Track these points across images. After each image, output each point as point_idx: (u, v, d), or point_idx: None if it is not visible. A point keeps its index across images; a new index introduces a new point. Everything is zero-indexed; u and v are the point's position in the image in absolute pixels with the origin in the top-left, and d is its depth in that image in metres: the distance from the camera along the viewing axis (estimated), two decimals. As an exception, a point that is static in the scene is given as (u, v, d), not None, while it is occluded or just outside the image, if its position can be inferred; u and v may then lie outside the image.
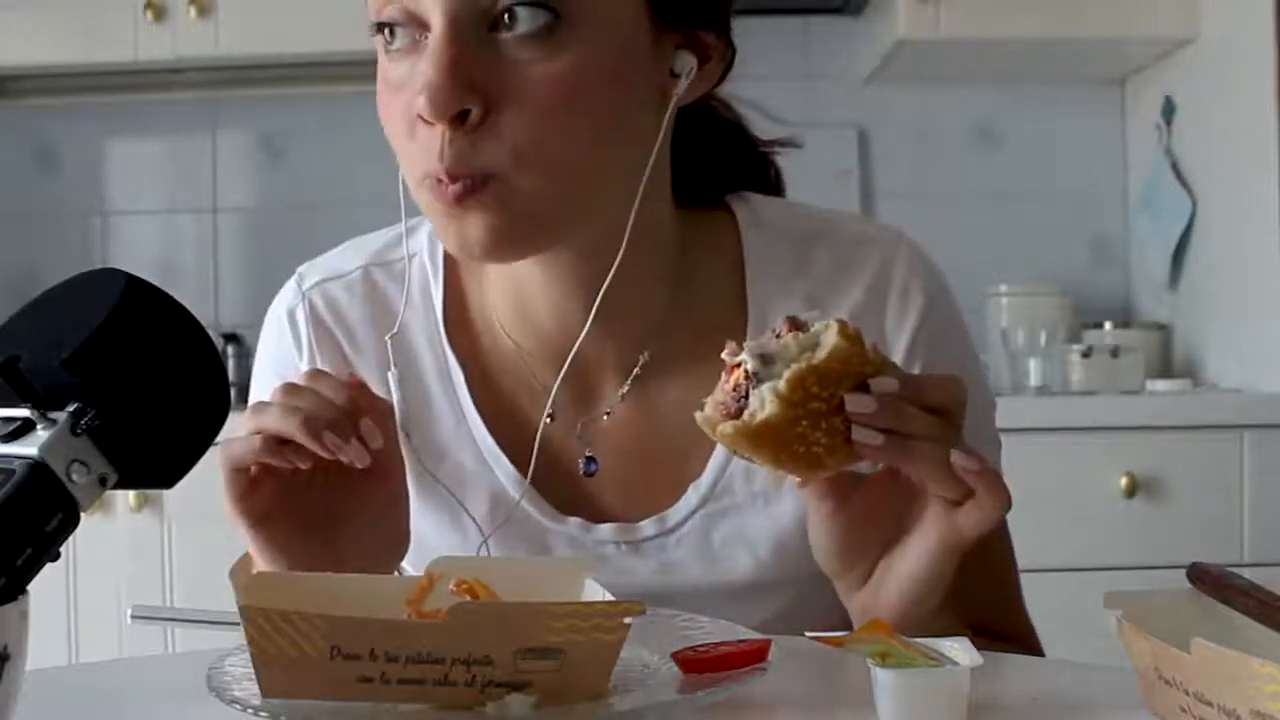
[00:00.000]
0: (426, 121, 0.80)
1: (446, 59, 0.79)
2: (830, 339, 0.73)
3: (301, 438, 0.79)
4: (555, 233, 0.86)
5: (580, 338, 0.89)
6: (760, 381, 0.72)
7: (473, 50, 0.79)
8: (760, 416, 0.72)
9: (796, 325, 0.74)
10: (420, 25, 0.81)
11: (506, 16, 0.79)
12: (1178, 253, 2.67)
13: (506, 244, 0.83)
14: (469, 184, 0.80)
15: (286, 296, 1.01)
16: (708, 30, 0.88)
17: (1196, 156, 2.63)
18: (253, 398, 1.02)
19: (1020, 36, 2.57)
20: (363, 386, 0.85)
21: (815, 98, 2.93)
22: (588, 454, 0.95)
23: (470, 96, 0.79)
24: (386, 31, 0.83)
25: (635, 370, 0.95)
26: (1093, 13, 2.54)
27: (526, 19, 0.79)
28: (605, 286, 0.87)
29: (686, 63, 0.87)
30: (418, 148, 0.82)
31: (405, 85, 0.82)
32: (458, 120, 0.79)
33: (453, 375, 0.96)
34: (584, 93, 0.81)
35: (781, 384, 0.71)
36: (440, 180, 0.81)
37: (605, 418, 0.95)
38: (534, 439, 0.93)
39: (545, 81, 0.80)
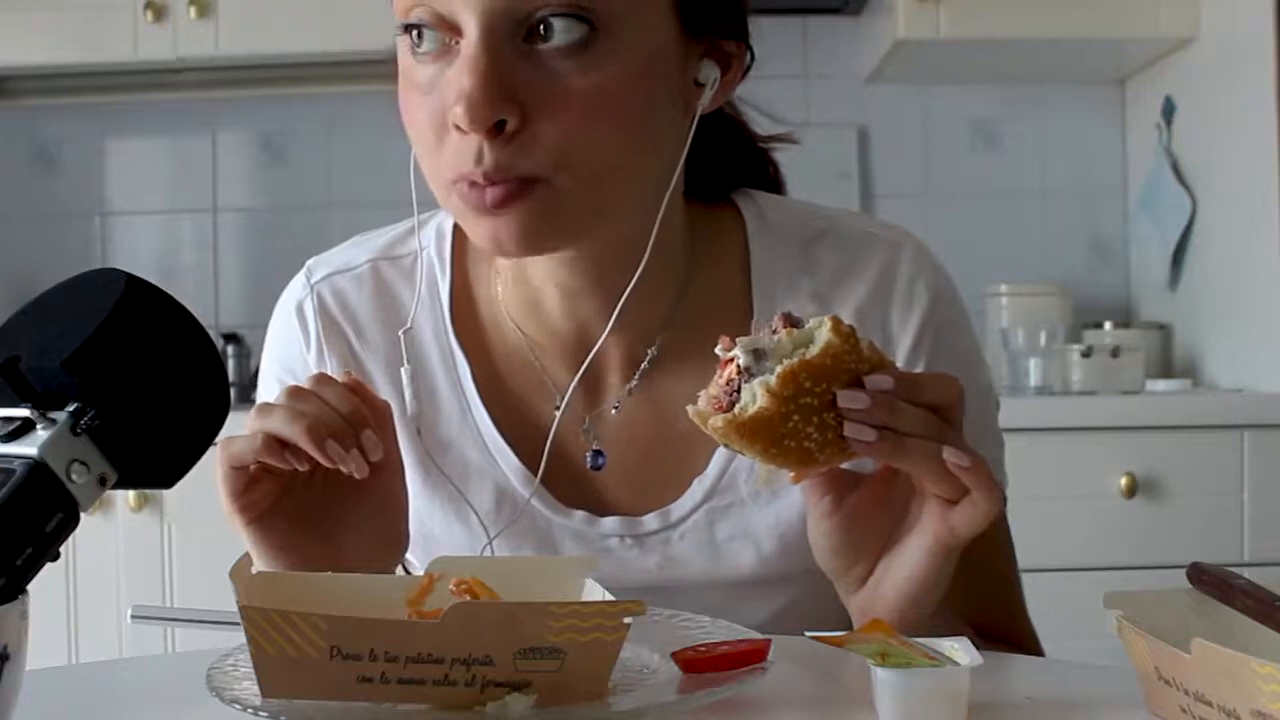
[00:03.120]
0: (461, 130, 0.79)
1: (484, 69, 0.78)
2: (824, 335, 0.73)
3: (305, 444, 0.79)
4: (586, 235, 0.87)
5: (600, 340, 0.90)
6: (752, 376, 0.73)
7: (509, 60, 0.79)
8: (751, 410, 0.72)
9: (791, 322, 0.74)
10: (452, 30, 0.81)
11: (542, 27, 0.79)
12: (1178, 253, 2.67)
13: (540, 242, 0.84)
14: (511, 188, 0.80)
15: (295, 290, 1.01)
16: (730, 40, 0.89)
17: (1196, 156, 2.63)
18: (259, 390, 1.03)
19: (1020, 36, 2.57)
20: (361, 386, 0.85)
21: (815, 98, 2.93)
22: (595, 448, 0.95)
23: (507, 107, 0.79)
24: (414, 33, 0.82)
25: (643, 365, 0.95)
26: (1093, 13, 2.54)
27: (563, 30, 0.79)
28: (627, 292, 0.88)
29: (711, 73, 0.88)
30: (448, 151, 0.81)
31: (433, 89, 0.82)
32: (494, 130, 0.79)
33: (459, 368, 0.97)
34: (618, 104, 0.81)
35: (773, 379, 0.72)
36: (475, 183, 0.81)
37: (613, 412, 0.95)
38: (540, 432, 0.94)
39: (581, 94, 0.80)
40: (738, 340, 0.74)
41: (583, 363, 0.92)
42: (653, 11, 0.83)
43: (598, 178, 0.82)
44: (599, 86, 0.80)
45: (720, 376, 0.75)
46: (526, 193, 0.81)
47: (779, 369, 0.72)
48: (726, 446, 0.75)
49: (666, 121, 0.87)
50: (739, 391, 0.73)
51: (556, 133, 0.80)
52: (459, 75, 0.79)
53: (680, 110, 0.88)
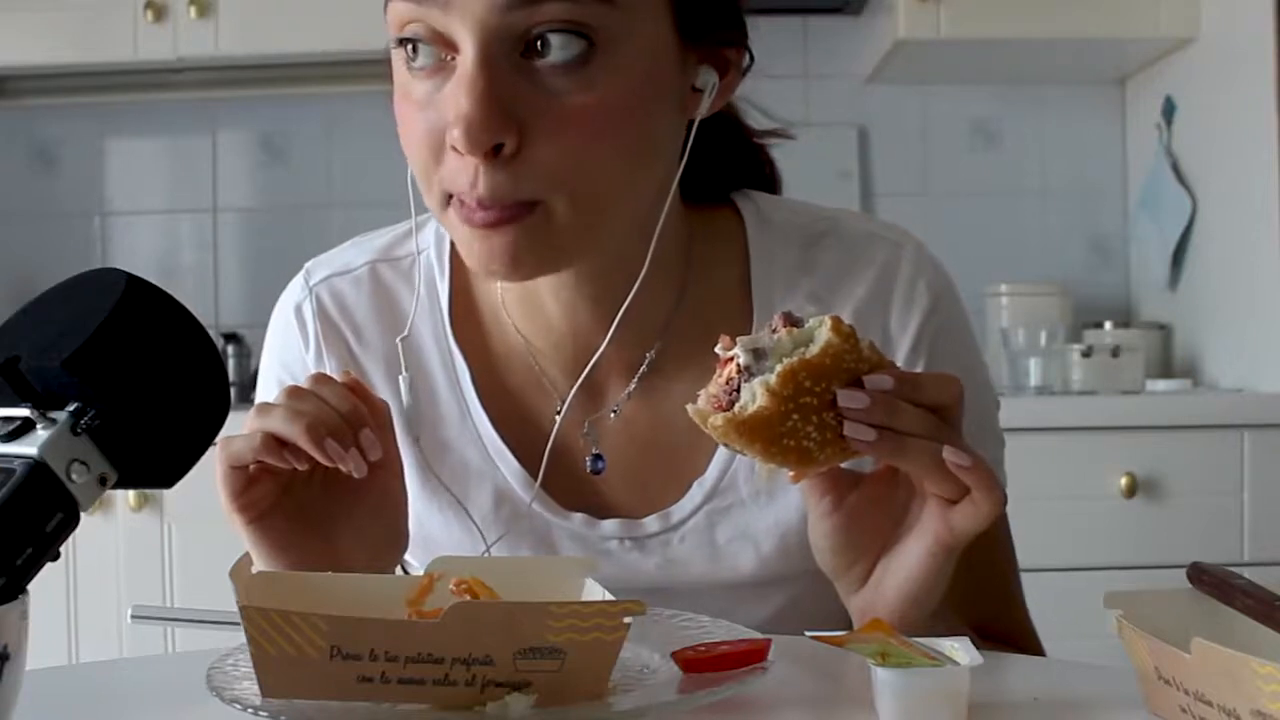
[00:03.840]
0: (458, 151, 0.79)
1: (481, 90, 0.77)
2: (824, 335, 0.73)
3: (304, 443, 0.79)
4: (580, 257, 0.86)
5: (599, 350, 0.90)
6: (752, 375, 0.73)
7: (506, 78, 0.78)
8: (751, 409, 0.72)
9: (791, 321, 0.74)
10: (448, 46, 0.79)
11: (539, 43, 0.78)
12: (1178, 253, 2.67)
13: (534, 266, 0.83)
14: (506, 212, 0.80)
15: (294, 291, 1.01)
16: (728, 45, 0.88)
17: (1196, 156, 2.63)
18: (259, 392, 1.03)
19: (1020, 36, 2.57)
20: (360, 386, 0.85)
21: (815, 98, 2.93)
22: (595, 452, 0.95)
23: (506, 129, 0.77)
24: (409, 48, 0.81)
25: (642, 368, 0.95)
26: (1093, 13, 2.54)
27: (560, 46, 0.78)
28: (627, 302, 0.87)
29: (709, 79, 0.87)
30: (446, 170, 0.81)
31: (429, 104, 0.81)
32: (492, 152, 0.78)
33: (458, 371, 0.97)
34: (618, 121, 0.80)
35: (773, 378, 0.72)
36: (467, 204, 0.80)
37: (613, 416, 0.95)
38: (539, 434, 0.94)
39: (581, 112, 0.79)
40: (738, 339, 0.74)
41: (582, 366, 0.92)
42: (650, 22, 0.82)
43: (595, 199, 0.82)
44: (599, 104, 0.79)
45: (720, 375, 0.75)
46: (521, 216, 0.80)
47: (779, 368, 0.72)
48: (726, 445, 0.75)
49: (665, 131, 0.86)
50: (739, 390, 0.73)
51: (554, 154, 0.79)
52: (456, 95, 0.78)
53: (679, 117, 0.87)
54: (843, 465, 0.78)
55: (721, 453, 0.94)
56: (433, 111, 0.80)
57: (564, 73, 0.78)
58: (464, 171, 0.79)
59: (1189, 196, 2.63)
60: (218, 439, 0.67)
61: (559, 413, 0.94)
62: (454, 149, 0.79)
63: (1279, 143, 2.31)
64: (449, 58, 0.80)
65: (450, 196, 0.81)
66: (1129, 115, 2.93)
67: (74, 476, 0.59)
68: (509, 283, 0.92)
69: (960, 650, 0.66)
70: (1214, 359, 2.57)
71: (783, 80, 2.87)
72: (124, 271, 0.63)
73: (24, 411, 0.60)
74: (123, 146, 2.98)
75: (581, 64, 0.79)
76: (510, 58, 0.78)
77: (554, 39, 0.78)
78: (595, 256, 0.87)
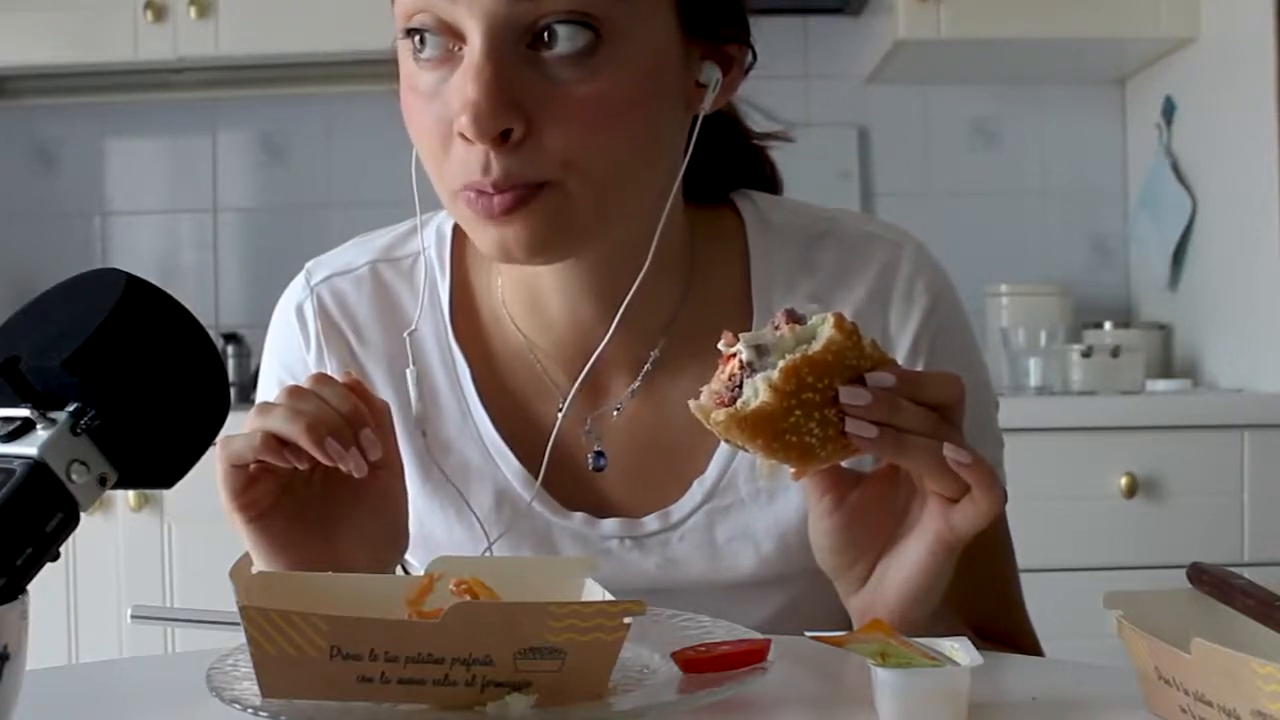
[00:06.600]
0: (466, 139, 0.79)
1: (488, 79, 0.78)
2: (826, 331, 0.73)
3: (305, 443, 0.79)
4: (592, 240, 0.86)
5: (602, 344, 0.90)
6: (755, 371, 0.73)
7: (513, 68, 0.79)
8: (753, 405, 0.72)
9: (794, 318, 0.75)
10: (455, 37, 0.80)
11: (546, 34, 0.79)
12: (1178, 253, 2.67)
13: (549, 248, 0.84)
14: (520, 194, 0.80)
15: (295, 291, 1.01)
16: (731, 41, 0.89)
17: (1196, 156, 2.63)
18: (259, 391, 1.03)
19: (1020, 36, 2.57)
20: (360, 386, 0.85)
21: (815, 98, 2.93)
22: (596, 449, 0.95)
23: (513, 116, 0.78)
24: (416, 39, 0.82)
25: (646, 366, 0.95)
26: (1093, 13, 2.54)
27: (567, 37, 0.79)
28: (629, 295, 0.88)
29: (712, 74, 0.88)
30: (455, 160, 0.81)
31: (436, 95, 0.81)
32: (500, 139, 0.79)
33: (459, 370, 0.97)
34: (623, 111, 0.81)
35: (775, 374, 0.72)
36: (482, 192, 0.80)
37: (615, 414, 0.95)
38: (540, 433, 0.94)
39: (586, 101, 0.80)
40: (740, 335, 0.75)
41: (584, 364, 0.92)
42: (655, 15, 0.83)
43: (605, 182, 0.82)
44: (604, 94, 0.80)
45: (723, 372, 0.75)
46: (535, 196, 0.81)
47: (781, 364, 0.72)
48: (728, 442, 0.75)
49: (669, 125, 0.87)
50: (741, 386, 0.73)
51: (563, 140, 0.80)
52: (463, 84, 0.79)
53: (682, 112, 0.88)
54: (844, 464, 0.78)
55: (722, 452, 0.94)
56: (440, 102, 0.81)
57: (570, 64, 0.79)
58: (474, 159, 0.80)
59: (1189, 196, 2.63)
60: (218, 439, 0.67)
61: (561, 411, 0.94)
62: (462, 137, 0.79)
63: (1279, 143, 2.31)
64: (456, 48, 0.81)
65: (462, 190, 0.82)
66: (1129, 115, 2.93)
67: (74, 476, 0.59)
68: (524, 267, 0.92)
69: (960, 650, 0.66)
70: (1214, 359, 2.57)
71: (783, 80, 2.88)
72: (124, 271, 0.64)
73: (24, 411, 0.60)
74: (123, 146, 2.97)
75: (587, 55, 0.79)
76: (517, 48, 0.79)
77: (561, 30, 0.79)
78: (606, 242, 0.88)
